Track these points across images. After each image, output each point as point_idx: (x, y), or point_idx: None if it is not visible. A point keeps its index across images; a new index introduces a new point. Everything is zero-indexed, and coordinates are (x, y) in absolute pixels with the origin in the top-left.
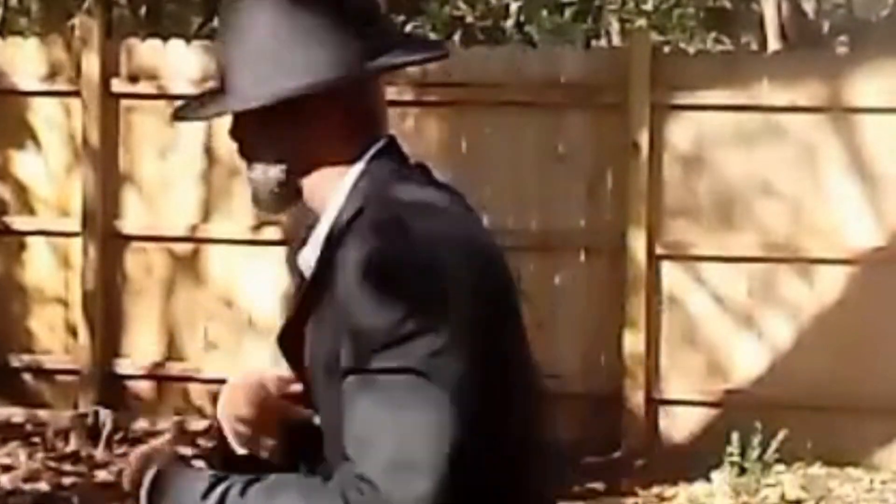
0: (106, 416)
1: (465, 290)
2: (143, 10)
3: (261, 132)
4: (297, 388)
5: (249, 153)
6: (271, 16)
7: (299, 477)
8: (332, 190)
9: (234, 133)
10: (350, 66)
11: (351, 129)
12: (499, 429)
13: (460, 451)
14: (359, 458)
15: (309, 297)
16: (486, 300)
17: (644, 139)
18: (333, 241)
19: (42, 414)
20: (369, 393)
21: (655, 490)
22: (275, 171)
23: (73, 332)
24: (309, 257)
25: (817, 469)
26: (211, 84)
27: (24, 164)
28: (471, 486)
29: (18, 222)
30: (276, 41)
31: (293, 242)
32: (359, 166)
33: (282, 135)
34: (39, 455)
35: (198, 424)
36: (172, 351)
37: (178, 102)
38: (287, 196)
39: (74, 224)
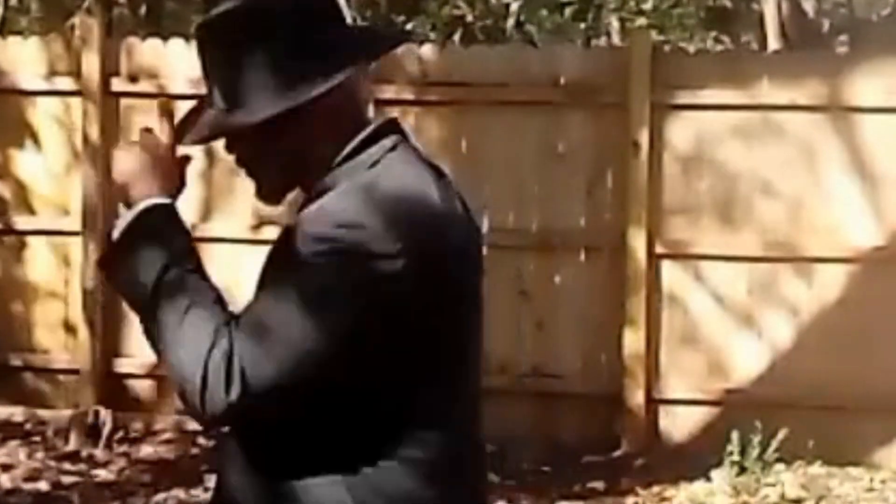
0: (106, 415)
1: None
2: (143, 10)
3: (262, 143)
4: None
5: (251, 163)
6: (258, 32)
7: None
8: (321, 174)
9: (233, 147)
10: (340, 69)
11: (342, 125)
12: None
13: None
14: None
15: (269, 262)
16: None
17: (644, 138)
18: (297, 219)
19: (42, 413)
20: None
21: (655, 489)
22: (278, 174)
23: (73, 331)
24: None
25: (817, 468)
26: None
27: (24, 163)
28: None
29: (18, 221)
30: (268, 55)
31: None
32: (345, 152)
33: (283, 143)
34: (39, 454)
35: (198, 424)
36: None
37: (179, 101)
38: (288, 189)
39: (74, 223)
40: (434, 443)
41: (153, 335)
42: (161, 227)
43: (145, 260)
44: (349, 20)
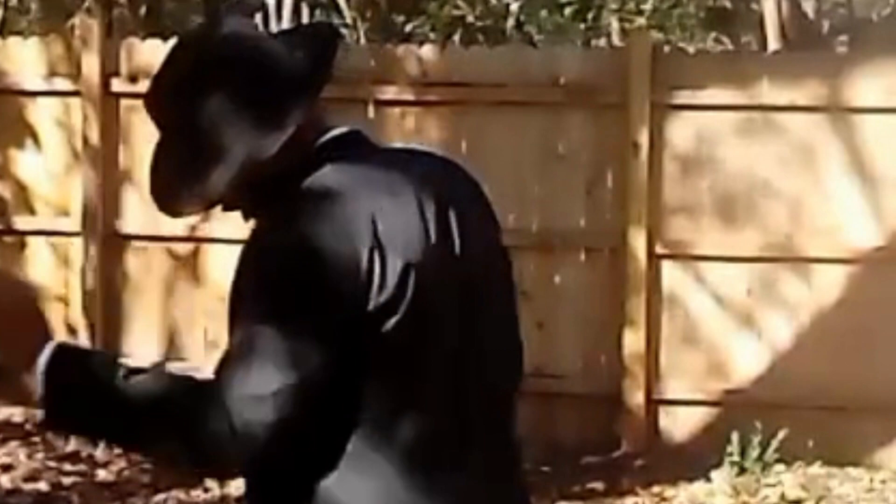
0: None
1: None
2: (143, 10)
3: (241, 192)
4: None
5: (233, 204)
6: (231, 81)
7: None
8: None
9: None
10: (306, 101)
11: (304, 145)
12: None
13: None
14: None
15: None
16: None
17: (644, 139)
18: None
19: (42, 413)
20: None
21: (655, 490)
22: (258, 205)
23: (72, 331)
24: None
25: (817, 468)
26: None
27: (24, 163)
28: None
29: (18, 222)
30: (243, 104)
31: None
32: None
33: (258, 184)
34: (39, 455)
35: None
36: (172, 351)
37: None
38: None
39: (74, 224)
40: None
41: (144, 444)
42: (72, 371)
43: (85, 405)
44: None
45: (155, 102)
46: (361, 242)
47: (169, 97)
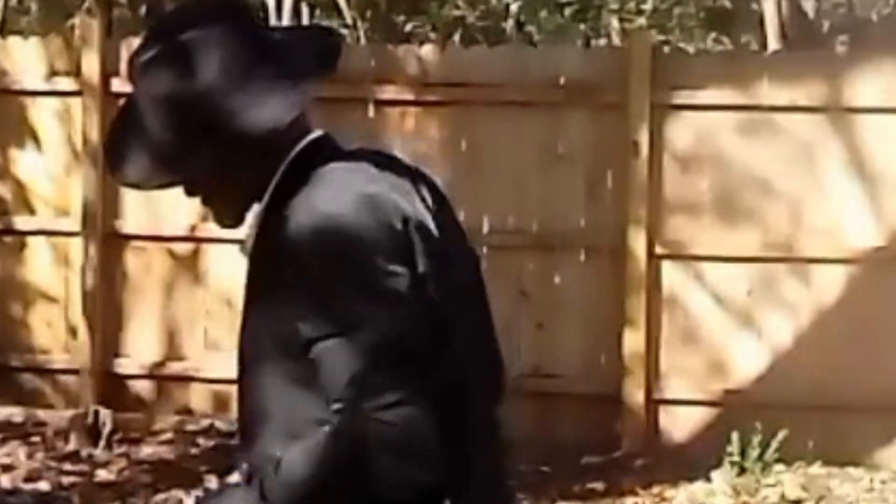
0: (106, 416)
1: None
2: (143, 10)
3: (208, 172)
4: None
5: (201, 191)
6: (204, 63)
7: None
8: (265, 184)
9: (192, 190)
10: (295, 96)
11: (286, 138)
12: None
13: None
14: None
15: (249, 273)
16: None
17: (644, 139)
18: (267, 222)
19: (42, 413)
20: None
21: (655, 490)
22: (235, 202)
23: (72, 331)
24: (248, 243)
25: (817, 469)
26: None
27: (24, 163)
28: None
29: (18, 222)
30: (223, 89)
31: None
32: (288, 159)
33: (228, 167)
34: (39, 455)
35: (198, 424)
36: (172, 351)
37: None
38: (244, 207)
39: (74, 223)
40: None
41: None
42: None
43: None
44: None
45: (150, 64)
46: (400, 222)
47: (166, 62)
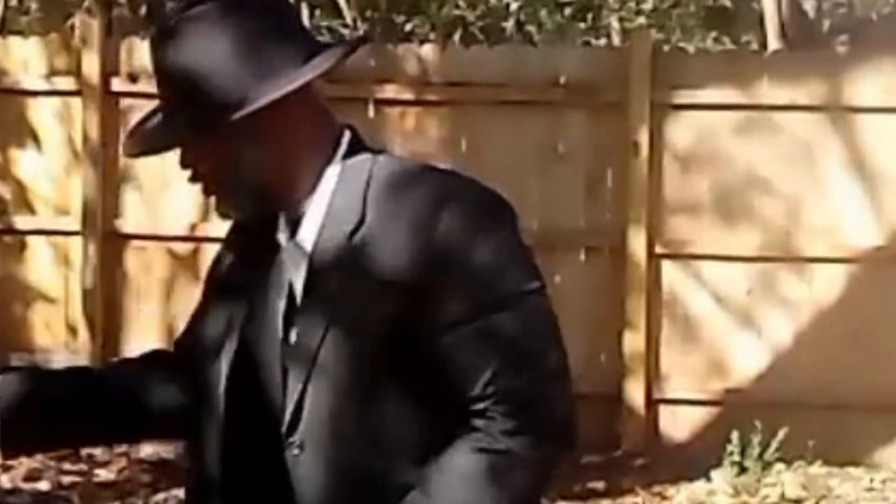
0: None
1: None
2: (143, 10)
3: (222, 156)
4: None
5: (212, 178)
6: (219, 37)
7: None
8: (311, 182)
9: (186, 160)
10: (304, 71)
11: (313, 130)
12: None
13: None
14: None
15: (318, 276)
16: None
17: (644, 138)
18: (343, 222)
19: None
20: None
21: (656, 489)
22: (244, 191)
23: (72, 331)
24: (305, 241)
25: (817, 468)
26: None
27: (24, 163)
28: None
29: (18, 221)
30: (228, 61)
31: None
32: (339, 154)
33: (247, 154)
34: (39, 454)
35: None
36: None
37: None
38: (259, 207)
39: (74, 223)
40: None
41: None
42: None
43: None
44: (306, 30)
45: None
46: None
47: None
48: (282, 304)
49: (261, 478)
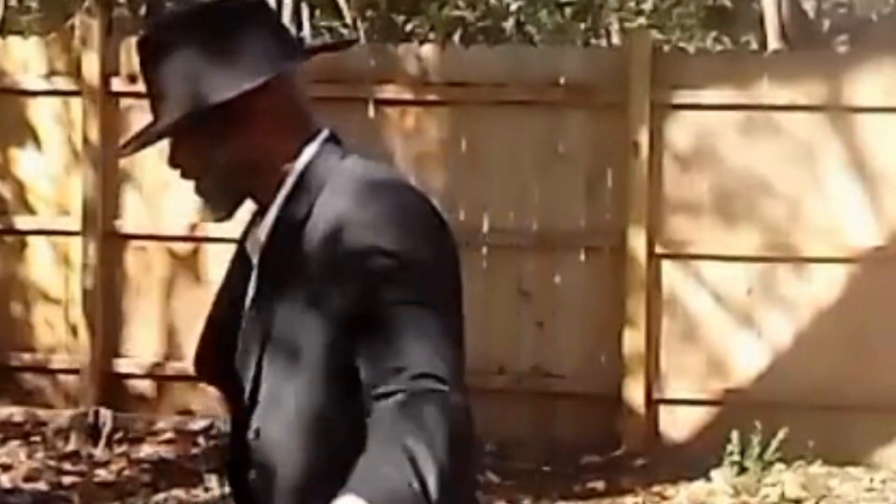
0: (106, 415)
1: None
2: (143, 10)
3: (201, 148)
4: None
5: (195, 171)
6: (190, 42)
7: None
8: (277, 180)
9: (175, 158)
10: (270, 68)
11: (283, 126)
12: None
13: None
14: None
15: (269, 272)
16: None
17: (644, 138)
18: (292, 219)
19: (42, 413)
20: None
21: (656, 489)
22: (222, 184)
23: (73, 331)
24: (262, 234)
25: (817, 468)
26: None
27: (24, 163)
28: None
29: (19, 221)
30: (198, 62)
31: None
32: (306, 154)
33: (221, 146)
34: (39, 454)
35: (198, 424)
36: (172, 350)
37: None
38: (237, 198)
39: (74, 223)
40: None
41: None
42: None
43: None
44: (285, 28)
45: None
46: (439, 216)
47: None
48: (247, 296)
49: (241, 463)
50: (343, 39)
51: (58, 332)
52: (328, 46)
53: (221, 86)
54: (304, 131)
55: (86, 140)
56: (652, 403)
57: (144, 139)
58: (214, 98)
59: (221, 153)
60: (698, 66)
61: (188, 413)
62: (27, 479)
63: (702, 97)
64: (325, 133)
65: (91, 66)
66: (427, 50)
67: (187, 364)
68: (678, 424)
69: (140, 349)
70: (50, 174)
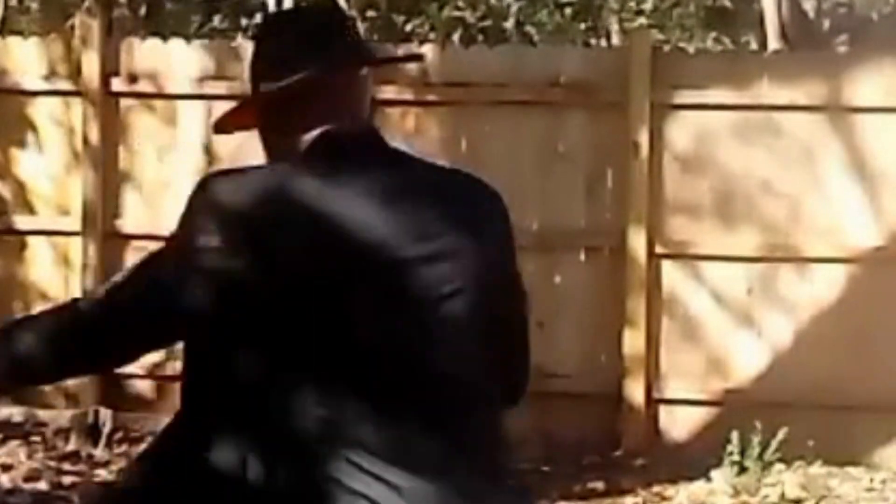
0: (106, 415)
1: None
2: (143, 10)
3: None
4: None
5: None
6: (271, 34)
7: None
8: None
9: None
10: (329, 65)
11: (282, 125)
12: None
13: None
14: None
15: None
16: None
17: (644, 138)
18: None
19: (42, 413)
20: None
21: (655, 489)
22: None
23: None
24: None
25: (817, 468)
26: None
27: (24, 163)
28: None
29: (18, 222)
30: (271, 55)
31: None
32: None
33: (260, 125)
34: (39, 454)
35: None
36: (172, 351)
37: (179, 101)
38: None
39: (74, 223)
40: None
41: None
42: None
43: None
44: (351, 38)
45: None
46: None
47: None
48: None
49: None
50: (411, 53)
51: None
52: (393, 59)
53: (266, 82)
54: (298, 132)
55: (86, 140)
56: (652, 403)
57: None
58: (259, 89)
59: (260, 125)
60: (698, 67)
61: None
62: (27, 479)
63: (702, 97)
64: (317, 139)
65: (91, 67)
66: (427, 50)
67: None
68: (678, 424)
69: None
70: (50, 174)
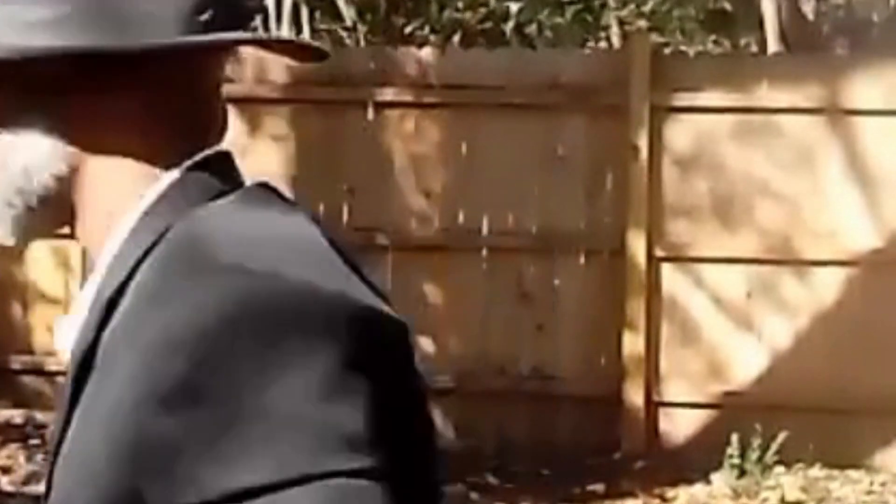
0: None
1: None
2: None
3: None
4: None
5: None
6: None
7: None
8: (120, 215)
9: None
10: (162, 33)
11: (156, 128)
12: None
13: None
14: None
15: (79, 389)
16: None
17: (644, 141)
18: (104, 290)
19: (42, 416)
20: None
21: (655, 492)
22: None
23: None
24: (68, 330)
25: (817, 471)
26: None
27: None
28: None
29: None
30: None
31: None
32: (163, 182)
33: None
34: (39, 457)
35: None
36: None
37: None
38: (49, 216)
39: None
40: None
41: None
42: None
43: None
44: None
45: None
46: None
47: None
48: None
49: None
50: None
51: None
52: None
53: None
54: (184, 145)
55: None
56: (652, 406)
57: None
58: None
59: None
60: (698, 69)
61: None
62: (27, 481)
63: (702, 100)
64: (204, 153)
65: None
66: (426, 52)
67: None
68: (678, 427)
69: None
70: None
